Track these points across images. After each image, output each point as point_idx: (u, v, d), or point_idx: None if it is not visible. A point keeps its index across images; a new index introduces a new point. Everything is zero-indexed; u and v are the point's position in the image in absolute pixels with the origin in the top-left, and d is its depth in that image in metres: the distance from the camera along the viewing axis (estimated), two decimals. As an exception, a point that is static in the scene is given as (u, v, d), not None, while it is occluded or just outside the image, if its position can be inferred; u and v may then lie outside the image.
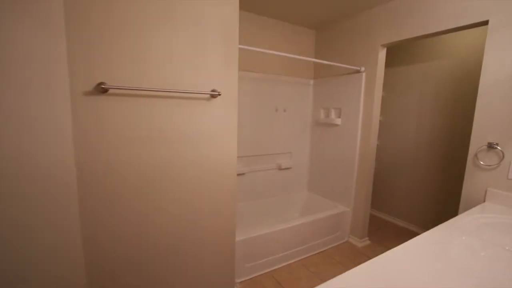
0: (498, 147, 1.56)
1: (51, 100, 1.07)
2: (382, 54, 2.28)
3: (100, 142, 1.20)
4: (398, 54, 2.92)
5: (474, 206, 1.68)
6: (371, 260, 0.91)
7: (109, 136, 1.22)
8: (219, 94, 1.43)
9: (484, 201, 1.63)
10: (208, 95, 1.45)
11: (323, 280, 2.00)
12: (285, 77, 2.73)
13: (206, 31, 1.40)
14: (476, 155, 1.66)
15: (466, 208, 1.72)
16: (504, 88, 1.53)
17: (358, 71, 2.39)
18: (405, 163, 2.94)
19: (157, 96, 1.31)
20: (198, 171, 1.49)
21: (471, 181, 1.70)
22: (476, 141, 1.67)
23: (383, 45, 2.25)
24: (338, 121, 2.61)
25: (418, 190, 2.84)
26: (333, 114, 2.71)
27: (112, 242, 1.30)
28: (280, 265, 2.15)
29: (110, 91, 1.18)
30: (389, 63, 3.00)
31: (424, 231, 3.04)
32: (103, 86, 1.14)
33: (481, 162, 1.64)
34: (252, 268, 1.99)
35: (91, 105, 1.16)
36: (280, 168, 2.84)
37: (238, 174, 2.56)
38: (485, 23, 1.63)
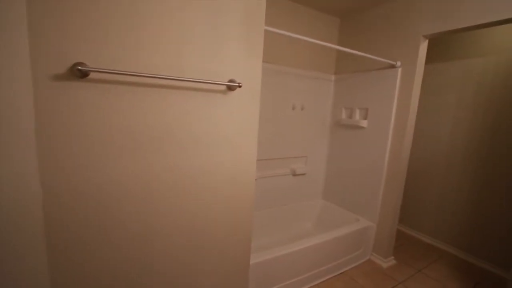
0: None
1: (3, 88, 0.73)
2: (423, 47, 1.95)
3: (75, 150, 0.86)
4: (433, 48, 2.57)
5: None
6: None
7: (89, 140, 0.88)
8: (239, 86, 1.09)
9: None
10: (225, 87, 1.11)
11: (350, 312, 1.69)
12: (304, 71, 2.39)
13: (223, 5, 1.05)
14: (551, 173, 1.34)
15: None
16: None
17: (393, 66, 2.05)
18: (436, 172, 2.62)
19: (158, 86, 0.97)
20: (211, 181, 1.17)
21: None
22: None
23: (425, 36, 1.91)
24: (364, 123, 2.28)
25: (449, 203, 2.53)
26: (357, 115, 2.37)
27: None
28: (296, 291, 1.84)
29: (92, 75, 0.84)
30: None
31: (454, 249, 2.63)
32: (80, 68, 0.80)
33: (560, 183, 1.32)
34: (265, 295, 1.68)
35: (64, 94, 0.82)
36: (294, 174, 2.51)
37: (248, 180, 2.24)
38: None
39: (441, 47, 2.53)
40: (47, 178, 0.83)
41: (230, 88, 1.12)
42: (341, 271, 2.11)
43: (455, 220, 2.49)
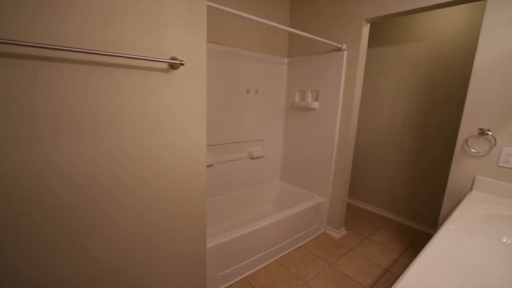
0: (490, 133, 1.47)
1: None
2: (365, 30, 2.06)
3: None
4: (374, 34, 2.76)
5: (460, 194, 1.61)
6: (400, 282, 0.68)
7: None
8: (182, 64, 1.03)
9: (471, 189, 1.55)
10: (166, 65, 1.05)
11: (305, 281, 1.82)
12: (257, 53, 2.38)
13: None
14: (466, 142, 1.56)
15: (452, 196, 1.65)
16: (502, 69, 1.41)
17: (339, 49, 2.15)
18: (378, 149, 2.88)
19: (86, 62, 0.88)
20: (156, 166, 1.11)
21: (459, 169, 1.61)
22: (467, 127, 1.56)
23: (367, 20, 2.03)
24: (316, 104, 2.38)
25: (391, 176, 2.81)
26: (309, 97, 2.46)
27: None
28: (257, 268, 1.90)
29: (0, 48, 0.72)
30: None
31: (396, 216, 2.93)
32: (-21, 38, 0.67)
33: (472, 150, 1.54)
34: (225, 276, 1.71)
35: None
36: (252, 158, 2.54)
37: (206, 166, 2.20)
38: (482, -3, 1.49)
39: (382, 32, 2.71)
40: None
41: (173, 67, 1.06)
42: (299, 245, 2.24)
43: (394, 190, 2.79)
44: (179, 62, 1.02)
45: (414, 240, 2.41)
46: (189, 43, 1.09)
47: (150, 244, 1.17)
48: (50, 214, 0.89)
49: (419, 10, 1.74)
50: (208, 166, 2.21)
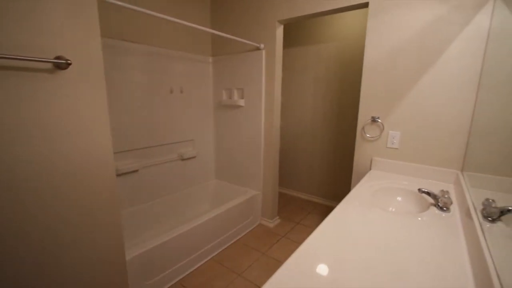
0: (379, 120, 1.75)
1: None
2: (279, 31, 2.21)
3: None
4: (295, 34, 2.98)
5: (364, 173, 1.88)
6: (294, 255, 0.77)
7: None
8: (69, 63, 0.95)
9: (371, 169, 1.82)
10: (51, 65, 0.95)
11: (240, 274, 1.88)
12: (180, 52, 2.32)
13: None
14: (363, 129, 1.82)
15: (358, 176, 1.91)
16: (382, 68, 1.69)
17: (258, 48, 2.26)
18: (304, 141, 3.14)
19: None
20: (50, 178, 1.00)
21: (360, 152, 1.87)
22: (363, 116, 1.82)
23: (280, 21, 2.18)
24: (242, 102, 2.46)
25: (316, 164, 3.09)
26: (236, 95, 2.53)
27: None
28: (191, 270, 1.88)
29: None
30: (287, 43, 3.04)
31: (323, 200, 3.23)
32: None
33: (367, 135, 1.81)
34: (155, 284, 1.64)
35: None
36: (182, 159, 2.49)
37: (129, 172, 2.07)
38: (366, 5, 1.74)
39: (302, 33, 2.95)
40: None
41: (59, 67, 0.96)
42: (235, 239, 2.29)
43: (320, 177, 3.08)
44: (64, 61, 0.93)
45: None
46: (79, 41, 1.01)
47: (50, 256, 1.05)
48: None
49: (320, 14, 1.95)
50: (131, 172, 2.08)
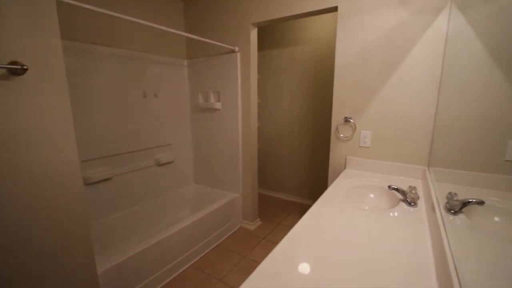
0: (352, 120, 1.80)
1: None
2: (254, 34, 2.22)
3: None
4: (271, 37, 3.01)
5: (339, 172, 1.93)
6: (270, 255, 0.78)
7: None
8: (25, 69, 0.89)
9: (345, 167, 1.87)
10: (5, 71, 0.88)
11: (219, 278, 1.85)
12: (153, 55, 2.27)
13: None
14: (337, 129, 1.87)
15: (335, 175, 1.95)
16: (352, 69, 1.74)
17: (233, 51, 2.25)
18: (282, 142, 3.17)
19: None
20: (8, 191, 0.93)
21: (335, 151, 1.92)
22: (336, 117, 1.87)
23: (254, 24, 2.19)
24: (219, 105, 2.44)
25: (294, 165, 3.14)
26: (212, 98, 2.50)
27: None
28: (170, 278, 1.83)
29: None
30: (263, 46, 3.07)
31: (303, 200, 3.27)
32: None
33: (341, 135, 1.86)
34: (132, 296, 1.58)
35: None
36: (159, 164, 2.42)
37: (102, 180, 1.98)
38: (335, 9, 1.79)
39: (276, 36, 2.98)
40: None
41: (14, 72, 0.90)
42: (216, 244, 2.27)
43: (299, 177, 3.13)
44: (20, 67, 0.88)
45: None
46: (36, 45, 0.95)
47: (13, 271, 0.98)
48: None
49: (292, 17, 1.98)
50: (104, 180, 1.99)
